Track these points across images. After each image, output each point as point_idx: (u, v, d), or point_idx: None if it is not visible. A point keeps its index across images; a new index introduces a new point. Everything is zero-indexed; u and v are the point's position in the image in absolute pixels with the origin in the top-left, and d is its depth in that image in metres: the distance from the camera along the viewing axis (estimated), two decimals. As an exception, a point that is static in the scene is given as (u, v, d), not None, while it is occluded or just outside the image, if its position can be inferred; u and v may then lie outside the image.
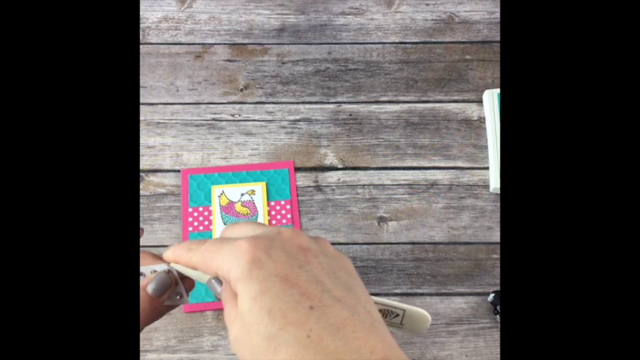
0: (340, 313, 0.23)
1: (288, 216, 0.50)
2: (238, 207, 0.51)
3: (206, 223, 0.50)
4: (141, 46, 0.59)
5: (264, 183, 0.52)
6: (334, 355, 0.22)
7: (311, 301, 0.23)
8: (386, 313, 0.31)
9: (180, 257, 0.27)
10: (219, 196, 0.51)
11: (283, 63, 0.58)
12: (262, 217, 0.50)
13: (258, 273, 0.24)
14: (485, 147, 0.54)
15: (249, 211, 0.51)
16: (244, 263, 0.24)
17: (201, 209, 0.51)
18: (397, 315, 0.31)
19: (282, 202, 0.51)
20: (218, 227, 0.50)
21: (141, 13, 0.61)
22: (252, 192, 0.51)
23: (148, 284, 0.29)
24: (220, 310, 0.47)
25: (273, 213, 0.50)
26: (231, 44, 0.59)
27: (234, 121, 0.55)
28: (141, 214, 0.51)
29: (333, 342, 0.22)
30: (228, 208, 0.50)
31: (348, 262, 0.28)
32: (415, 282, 0.49)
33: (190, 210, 0.51)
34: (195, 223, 0.50)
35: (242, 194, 0.51)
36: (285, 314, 0.23)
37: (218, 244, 0.26)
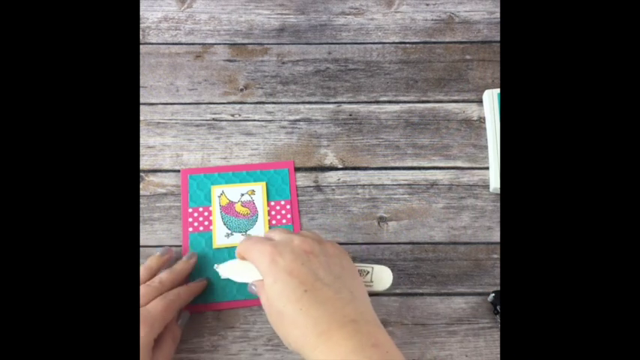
0: (327, 293, 0.35)
1: (288, 216, 0.50)
2: (238, 207, 0.50)
3: (206, 223, 0.50)
4: (141, 46, 0.59)
5: (264, 183, 0.52)
6: (317, 318, 0.33)
7: (305, 286, 0.35)
8: (361, 272, 0.43)
9: (240, 245, 0.41)
10: (219, 196, 0.51)
11: (283, 63, 0.58)
12: (262, 217, 0.50)
13: (274, 268, 0.36)
14: (485, 147, 0.54)
15: (249, 211, 0.50)
16: (266, 262, 0.37)
17: (201, 209, 0.51)
18: (368, 272, 0.43)
19: (282, 202, 0.51)
20: (218, 227, 0.50)
21: (141, 13, 0.61)
22: (252, 192, 0.51)
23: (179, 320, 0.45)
24: (219, 311, 0.47)
25: (273, 213, 0.50)
26: (231, 44, 0.59)
27: (234, 121, 0.55)
28: (141, 214, 0.51)
29: (317, 311, 0.34)
30: (228, 208, 0.50)
31: (346, 260, 0.40)
32: (415, 282, 0.49)
33: (190, 210, 0.51)
34: (196, 224, 0.50)
35: (242, 194, 0.51)
36: (288, 296, 0.35)
37: (255, 242, 0.39)
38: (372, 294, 0.46)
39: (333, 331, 0.32)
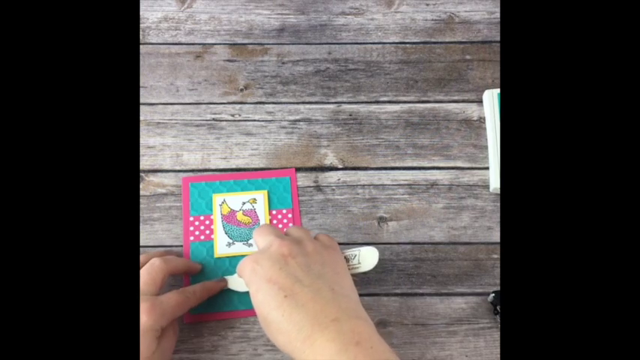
0: (307, 295, 0.35)
1: (290, 225, 0.50)
2: (239, 216, 0.50)
3: (207, 232, 0.50)
4: (141, 46, 0.59)
5: (265, 191, 0.51)
6: (299, 322, 0.34)
7: (285, 291, 0.35)
8: (348, 258, 0.44)
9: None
10: (220, 205, 0.51)
11: (283, 63, 0.58)
12: None
13: (254, 278, 0.37)
14: (485, 147, 0.54)
15: (250, 220, 0.50)
16: (247, 274, 0.38)
17: (202, 218, 0.50)
18: (355, 256, 0.44)
19: (284, 211, 0.51)
20: (219, 237, 0.49)
21: (141, 13, 0.61)
22: (254, 200, 0.51)
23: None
24: (219, 320, 0.47)
25: (274, 222, 0.50)
26: (231, 44, 0.59)
27: (234, 121, 0.55)
28: (141, 214, 0.51)
29: (298, 315, 0.34)
30: (229, 217, 0.50)
31: (328, 253, 0.40)
32: (415, 282, 0.49)
33: (192, 219, 0.50)
34: (197, 232, 0.50)
35: (243, 203, 0.51)
36: (269, 303, 0.35)
37: (243, 259, 0.39)
38: (361, 275, 0.47)
39: (317, 335, 0.33)
